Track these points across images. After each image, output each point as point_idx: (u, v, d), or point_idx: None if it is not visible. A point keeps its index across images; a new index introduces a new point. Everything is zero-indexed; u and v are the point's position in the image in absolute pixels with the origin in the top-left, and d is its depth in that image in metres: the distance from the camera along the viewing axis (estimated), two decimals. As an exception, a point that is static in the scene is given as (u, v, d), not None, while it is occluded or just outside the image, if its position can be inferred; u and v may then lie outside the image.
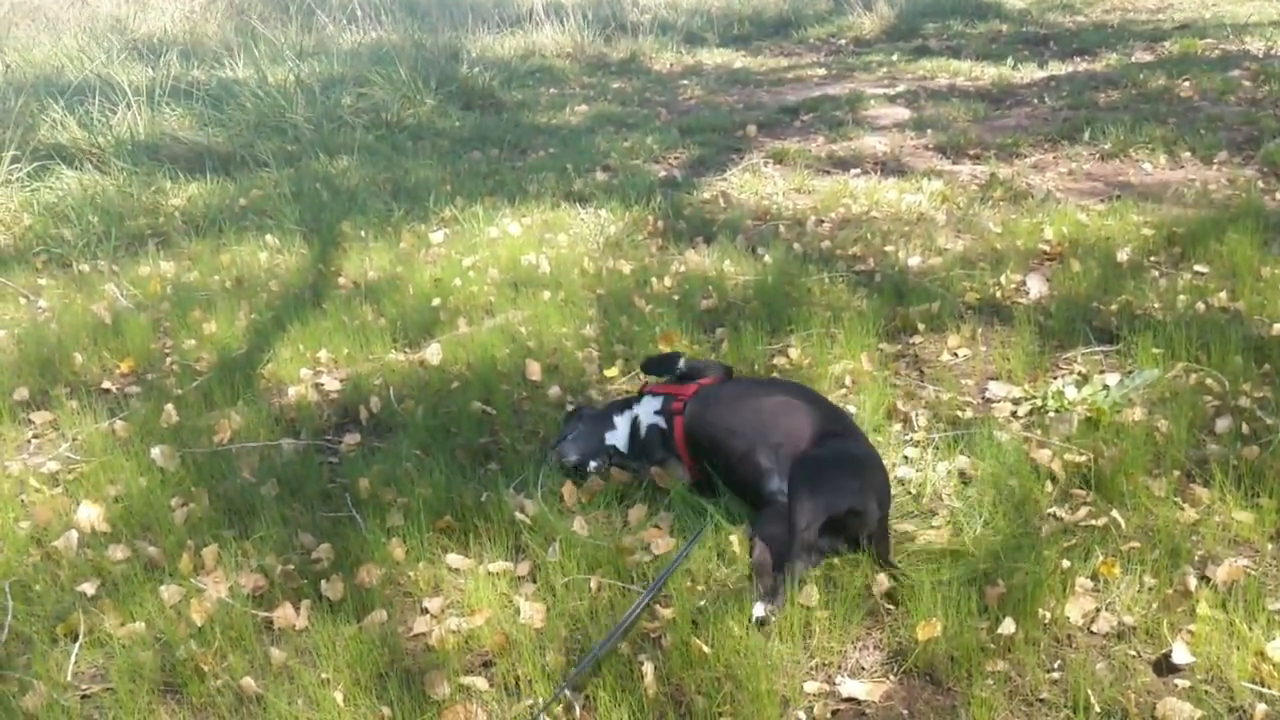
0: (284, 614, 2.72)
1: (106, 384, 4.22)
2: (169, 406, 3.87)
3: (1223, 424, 3.34)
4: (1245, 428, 3.31)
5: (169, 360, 4.41)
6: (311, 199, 6.49)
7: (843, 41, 13.05)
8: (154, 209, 6.56)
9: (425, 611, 2.74)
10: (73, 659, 2.65)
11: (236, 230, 5.98)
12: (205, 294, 5.03)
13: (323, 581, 2.83)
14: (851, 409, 3.50)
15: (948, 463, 3.24)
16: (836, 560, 2.80)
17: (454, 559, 2.91)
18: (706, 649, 2.48)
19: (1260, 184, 5.86)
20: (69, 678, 2.60)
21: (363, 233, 5.78)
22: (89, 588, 2.90)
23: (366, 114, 8.62)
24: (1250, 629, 2.45)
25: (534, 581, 2.82)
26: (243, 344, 4.47)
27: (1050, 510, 2.98)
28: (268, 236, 5.81)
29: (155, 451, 3.53)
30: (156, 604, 2.79)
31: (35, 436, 3.86)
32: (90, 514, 3.20)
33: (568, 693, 2.41)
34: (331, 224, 5.93)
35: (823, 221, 5.75)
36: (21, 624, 2.79)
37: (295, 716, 2.39)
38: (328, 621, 2.68)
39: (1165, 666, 2.40)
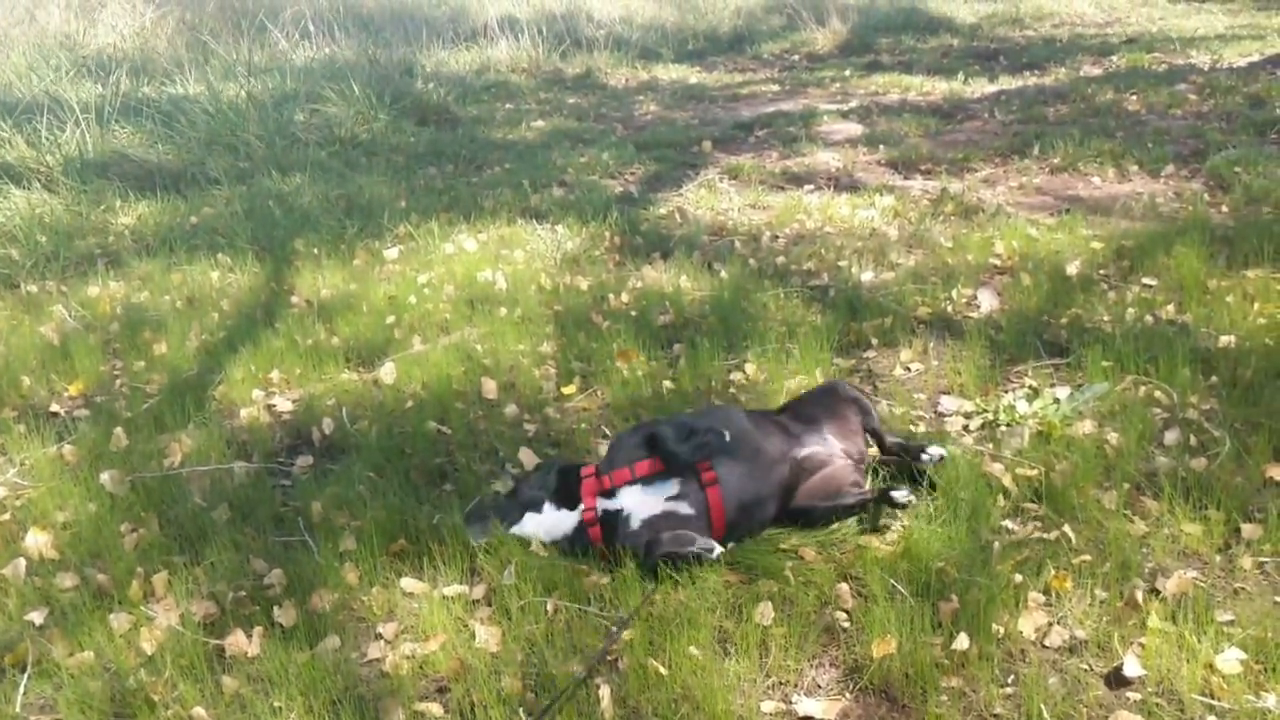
0: (236, 641, 2.69)
1: (55, 407, 4.16)
2: (118, 430, 3.82)
3: (1171, 436, 3.38)
4: (1193, 440, 3.36)
5: (119, 382, 4.35)
6: (264, 217, 6.43)
7: (796, 57, 13.15)
8: (103, 228, 6.48)
9: (379, 637, 2.72)
10: (21, 690, 2.61)
11: (188, 249, 5.92)
12: (156, 314, 4.97)
13: (275, 607, 2.80)
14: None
15: (900, 477, 3.26)
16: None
17: (408, 583, 2.89)
18: (664, 670, 2.47)
19: (1206, 197, 5.96)
20: (18, 709, 2.56)
21: (316, 251, 5.74)
22: (37, 616, 2.85)
23: (320, 130, 8.56)
24: (1200, 641, 2.48)
25: (489, 605, 2.80)
26: (194, 365, 4.41)
27: (1002, 524, 3.01)
28: (219, 255, 5.75)
29: (104, 476, 3.47)
30: (106, 632, 2.74)
31: (-19, 462, 3.79)
32: (38, 541, 3.15)
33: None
34: (284, 242, 5.88)
35: (777, 237, 5.78)
36: (-34, 655, 2.74)
37: (247, 746, 2.36)
38: (280, 648, 2.65)
39: (1116, 680, 2.42)
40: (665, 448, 2.96)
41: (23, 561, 3.06)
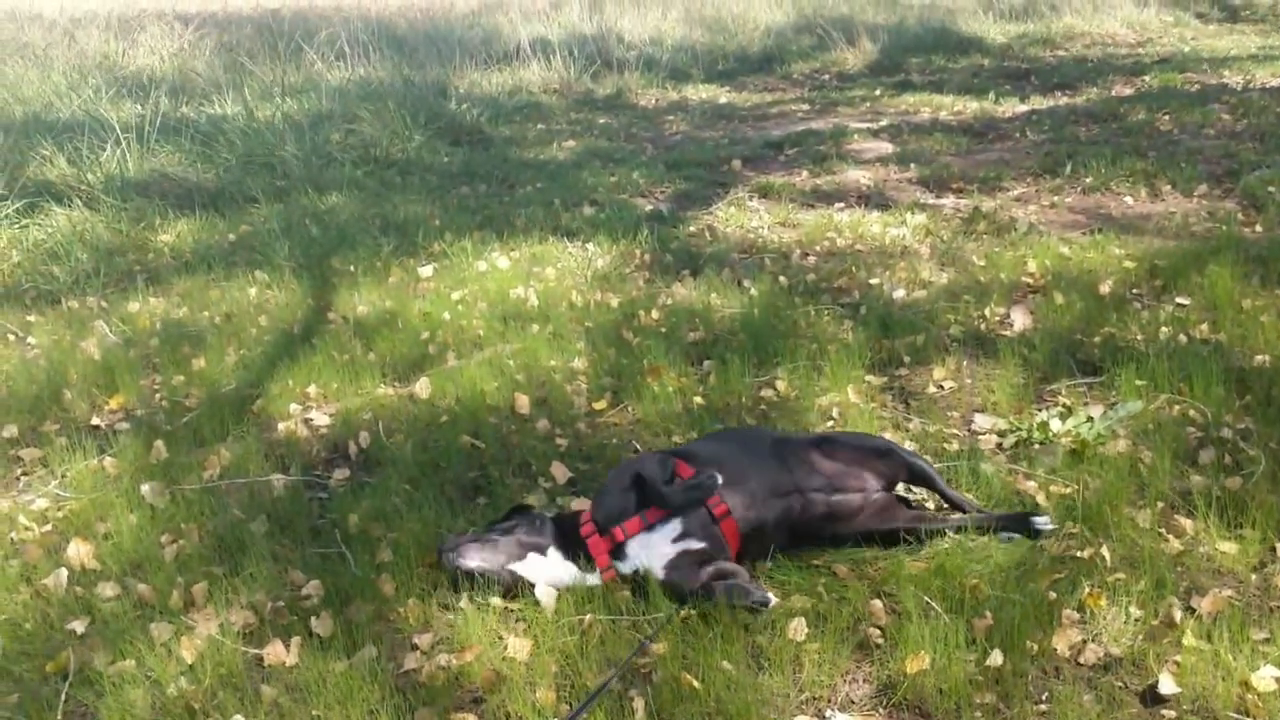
0: (274, 651, 2.72)
1: (96, 420, 4.22)
2: (158, 443, 3.87)
3: (1205, 455, 3.37)
4: (1227, 459, 3.35)
5: (158, 396, 4.41)
6: (301, 235, 6.51)
7: (826, 76, 13.18)
8: (143, 245, 6.57)
9: (415, 648, 2.74)
10: (63, 697, 2.65)
11: (226, 266, 6.00)
12: (195, 330, 5.04)
13: (312, 618, 2.83)
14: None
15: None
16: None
17: (444, 595, 2.91)
18: (697, 684, 2.49)
19: (1240, 216, 5.94)
20: (59, 717, 2.60)
21: (352, 268, 5.80)
22: (79, 626, 2.89)
23: (355, 150, 8.65)
24: (1235, 659, 2.47)
25: (523, 618, 2.83)
26: (232, 380, 4.47)
27: (1036, 543, 3.00)
28: (257, 272, 5.82)
29: (145, 488, 3.53)
30: (146, 642, 2.78)
31: (24, 474, 3.85)
32: (80, 551, 3.19)
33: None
34: (321, 259, 5.96)
35: (808, 254, 5.80)
36: (11, 662, 2.78)
37: (286, 754, 2.39)
38: (318, 658, 2.68)
39: (1151, 697, 2.42)
40: (657, 494, 2.90)
41: (64, 571, 3.10)
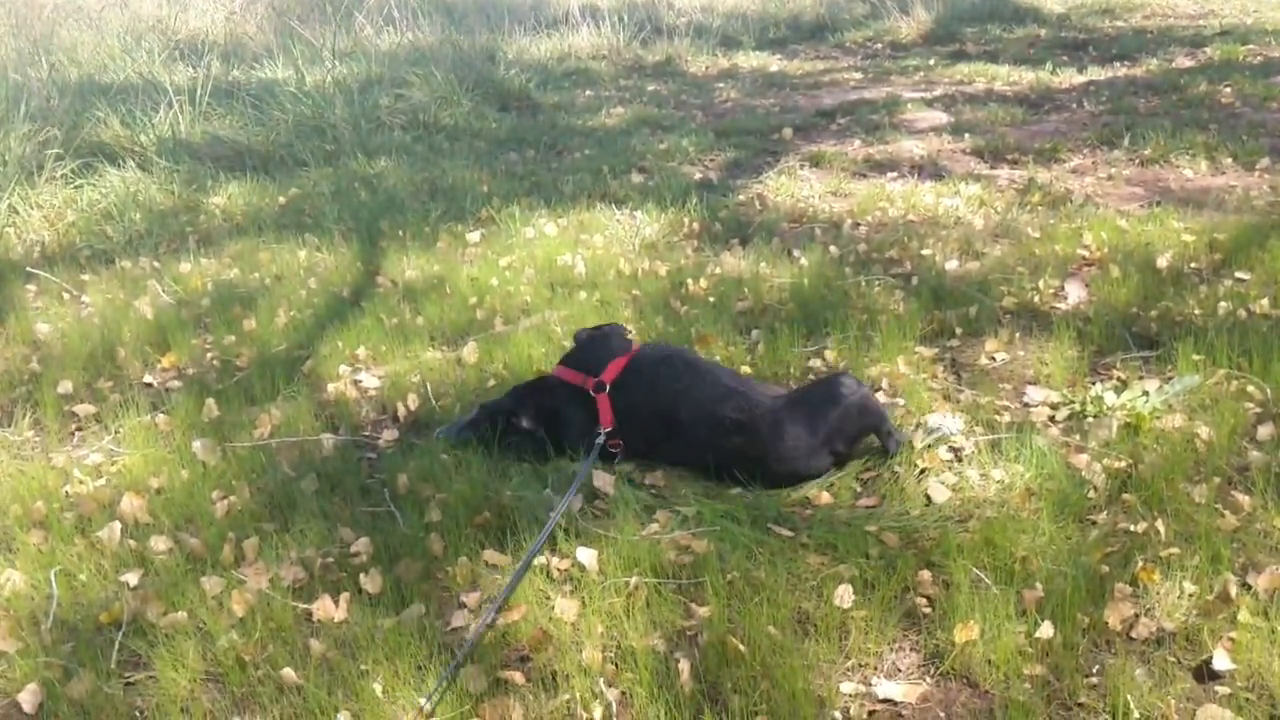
0: (324, 606, 2.75)
1: (149, 378, 4.28)
2: (210, 401, 3.91)
3: (1264, 431, 3.30)
4: (1288, 435, 3.28)
5: (210, 356, 4.46)
6: (350, 199, 6.55)
7: (879, 46, 13.00)
8: (195, 207, 6.64)
9: (463, 606, 2.76)
10: (116, 647, 2.69)
11: (276, 229, 6.04)
12: (245, 291, 5.09)
13: (362, 575, 2.86)
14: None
15: (981, 468, 3.23)
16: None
17: (491, 555, 2.93)
18: (743, 648, 2.48)
19: (1303, 191, 5.80)
20: (113, 666, 2.64)
21: (400, 233, 5.82)
22: (132, 578, 2.94)
23: (404, 115, 8.67)
24: (1292, 637, 2.43)
25: (571, 579, 2.83)
26: (282, 341, 4.51)
27: (1088, 515, 2.97)
28: (307, 235, 5.86)
29: (196, 445, 3.57)
30: (198, 594, 2.82)
31: (78, 429, 3.91)
32: (133, 505, 3.24)
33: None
34: (370, 223, 5.98)
35: (859, 225, 5.74)
36: (66, 612, 2.84)
37: (335, 707, 2.42)
38: (367, 614, 2.71)
39: (1206, 673, 2.38)
40: None
41: (118, 525, 3.15)
